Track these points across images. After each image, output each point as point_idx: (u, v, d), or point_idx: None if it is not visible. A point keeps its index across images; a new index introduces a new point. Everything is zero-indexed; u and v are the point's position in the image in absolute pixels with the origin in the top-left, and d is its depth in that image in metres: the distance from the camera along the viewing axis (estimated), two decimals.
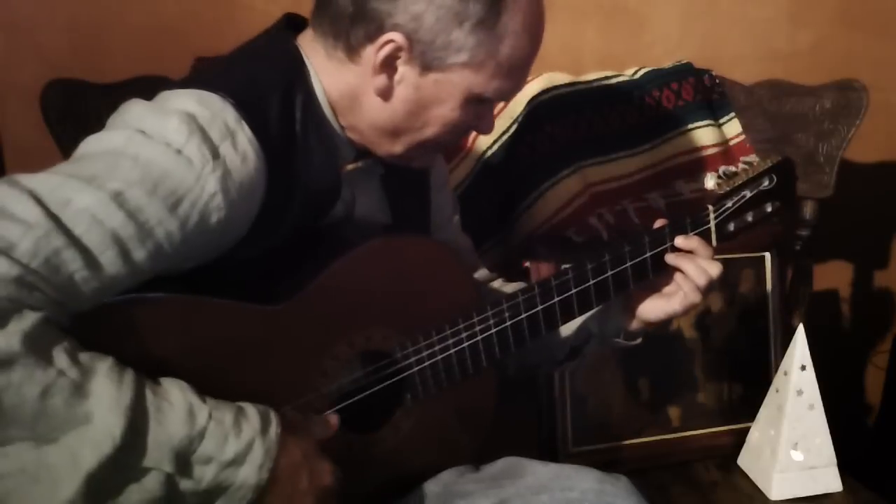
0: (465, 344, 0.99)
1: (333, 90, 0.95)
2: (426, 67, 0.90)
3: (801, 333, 1.29)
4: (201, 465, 0.77)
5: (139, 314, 0.82)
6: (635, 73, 1.51)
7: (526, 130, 1.43)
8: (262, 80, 0.91)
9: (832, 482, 1.31)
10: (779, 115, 1.51)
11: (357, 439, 0.98)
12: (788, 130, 1.51)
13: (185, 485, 0.77)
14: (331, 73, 0.94)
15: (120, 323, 0.81)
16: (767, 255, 1.51)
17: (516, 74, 0.94)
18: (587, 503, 0.92)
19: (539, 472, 0.99)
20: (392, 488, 1.02)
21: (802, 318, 1.50)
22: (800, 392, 1.28)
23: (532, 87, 1.43)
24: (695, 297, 1.03)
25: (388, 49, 0.89)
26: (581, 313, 1.04)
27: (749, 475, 1.36)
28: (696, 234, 1.04)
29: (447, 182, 1.23)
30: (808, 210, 1.50)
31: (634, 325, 1.09)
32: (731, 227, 1.07)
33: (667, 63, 1.53)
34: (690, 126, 1.47)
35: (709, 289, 1.03)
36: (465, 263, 1.09)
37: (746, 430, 1.39)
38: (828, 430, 1.30)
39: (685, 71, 1.50)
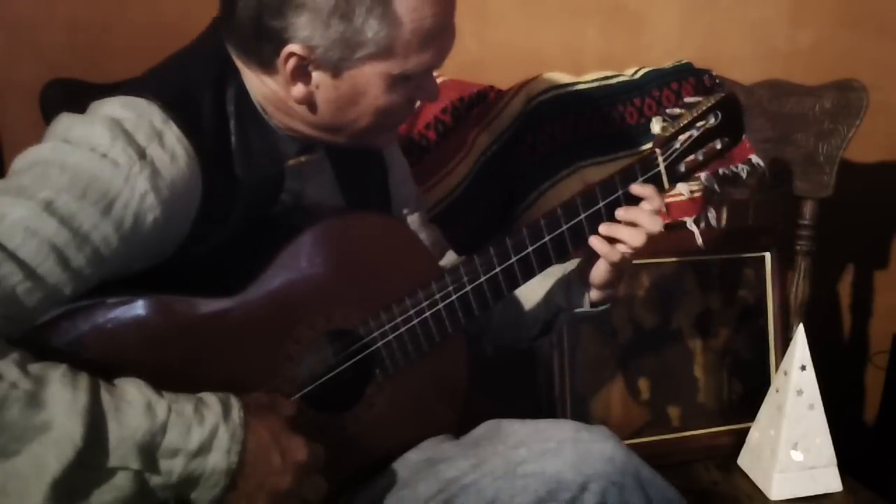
0: (428, 313, 1.00)
1: (259, 95, 0.95)
2: (336, 69, 0.90)
3: (801, 333, 1.29)
4: (168, 458, 0.78)
5: (94, 321, 0.82)
6: (635, 73, 1.51)
7: (526, 130, 1.43)
8: (191, 78, 0.92)
9: (832, 482, 1.31)
10: (779, 115, 1.51)
11: (331, 420, 0.99)
12: (788, 130, 1.51)
13: (155, 480, 0.77)
14: (253, 80, 0.95)
15: (76, 331, 0.82)
16: (767, 255, 1.51)
17: (432, 43, 0.92)
18: (565, 452, 0.93)
19: (517, 429, 1.00)
20: (372, 464, 1.03)
21: (802, 318, 1.50)
22: (800, 392, 1.28)
23: (532, 87, 1.43)
24: (618, 258, 1.04)
25: (293, 62, 0.89)
26: (541, 270, 1.04)
27: (749, 475, 1.36)
28: (647, 179, 1.05)
29: (409, 177, 1.23)
30: (808, 210, 1.51)
31: (594, 293, 1.10)
32: (682, 167, 1.08)
33: (667, 63, 1.53)
34: None
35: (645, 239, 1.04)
36: (416, 234, 1.09)
37: (746, 430, 1.39)
38: (828, 430, 1.30)
39: (685, 71, 1.51)
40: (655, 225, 1.02)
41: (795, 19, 1.70)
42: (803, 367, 1.28)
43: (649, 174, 1.05)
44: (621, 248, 1.03)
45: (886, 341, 1.87)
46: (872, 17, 1.73)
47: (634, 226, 1.03)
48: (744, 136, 1.42)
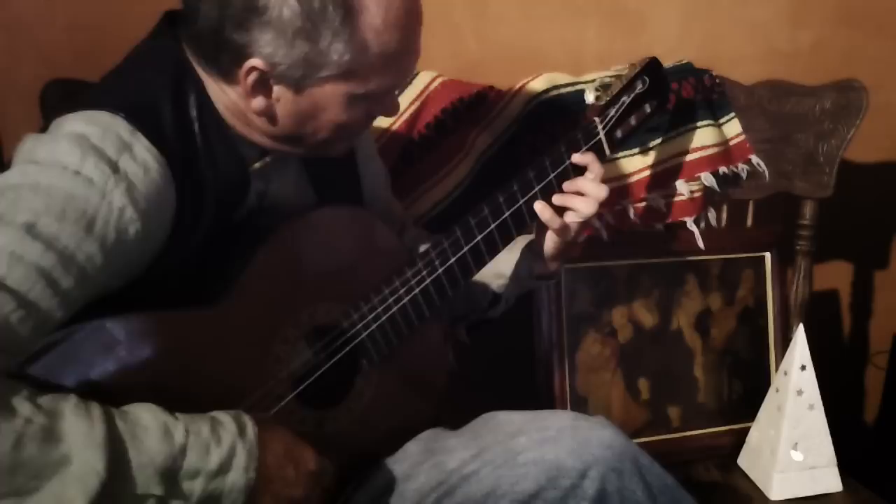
0: (406, 299, 1.02)
1: (219, 103, 0.94)
2: (298, 86, 0.90)
3: (801, 333, 1.29)
4: (189, 480, 0.77)
5: (85, 347, 0.81)
6: None
7: (526, 130, 1.43)
8: (150, 85, 0.90)
9: (832, 482, 1.31)
10: (779, 115, 1.51)
11: (324, 415, 1.00)
12: (788, 130, 1.51)
13: (175, 503, 0.77)
14: (213, 88, 0.94)
15: (67, 360, 0.80)
16: (767, 255, 1.51)
17: (395, 65, 0.93)
18: (564, 439, 0.94)
19: (515, 419, 1.02)
20: (369, 453, 1.04)
21: (802, 318, 1.51)
22: (800, 392, 1.28)
23: (532, 87, 1.43)
24: (559, 226, 1.08)
25: (253, 75, 0.89)
26: (504, 245, 1.08)
27: (749, 475, 1.36)
28: (590, 147, 1.10)
29: (375, 153, 1.24)
30: (808, 210, 1.51)
31: (542, 265, 1.14)
32: (619, 133, 1.14)
33: (667, 63, 1.52)
34: (690, 126, 1.47)
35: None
36: (384, 221, 1.10)
37: (746, 430, 1.39)
38: (828, 430, 1.30)
39: (685, 71, 1.50)
40: (601, 192, 1.07)
41: (795, 19, 1.70)
42: (803, 367, 1.28)
43: (591, 142, 1.11)
44: (573, 216, 1.08)
45: (886, 341, 1.87)
46: (872, 17, 1.73)
47: (583, 195, 1.07)
48: (744, 136, 1.44)
